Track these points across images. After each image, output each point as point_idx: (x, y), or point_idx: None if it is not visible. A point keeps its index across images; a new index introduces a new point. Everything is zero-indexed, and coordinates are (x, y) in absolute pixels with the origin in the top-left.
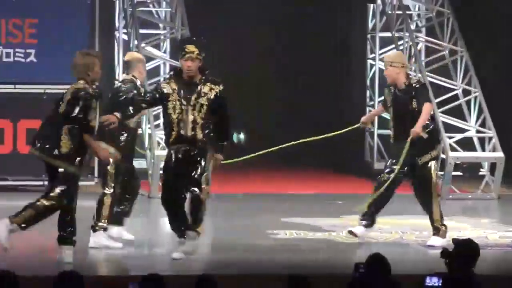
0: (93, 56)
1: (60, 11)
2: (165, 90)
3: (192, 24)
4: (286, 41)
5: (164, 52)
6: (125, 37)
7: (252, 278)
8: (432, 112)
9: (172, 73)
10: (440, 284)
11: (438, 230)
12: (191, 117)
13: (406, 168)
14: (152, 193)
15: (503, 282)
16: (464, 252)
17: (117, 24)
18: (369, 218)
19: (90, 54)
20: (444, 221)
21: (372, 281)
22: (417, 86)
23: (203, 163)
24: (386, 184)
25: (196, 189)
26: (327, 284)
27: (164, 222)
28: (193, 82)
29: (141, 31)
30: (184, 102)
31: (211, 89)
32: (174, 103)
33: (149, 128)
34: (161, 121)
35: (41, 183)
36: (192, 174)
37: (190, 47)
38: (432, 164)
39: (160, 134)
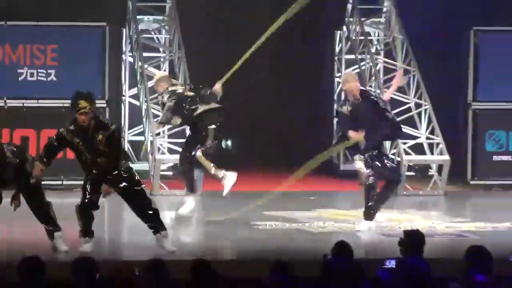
0: None
1: (76, 38)
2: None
3: (187, 48)
4: (269, 62)
5: (164, 71)
6: (131, 59)
7: (239, 263)
8: None
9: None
10: (395, 266)
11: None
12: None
13: None
14: (153, 190)
15: (448, 264)
16: (413, 240)
17: (124, 49)
18: None
19: None
20: (395, 213)
21: (338, 264)
22: None
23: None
24: None
25: None
26: (303, 268)
27: (164, 216)
28: (87, 128)
29: (144, 54)
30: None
31: (102, 135)
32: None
33: (151, 136)
34: (161, 129)
35: (59, 182)
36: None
37: (83, 103)
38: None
39: (160, 141)
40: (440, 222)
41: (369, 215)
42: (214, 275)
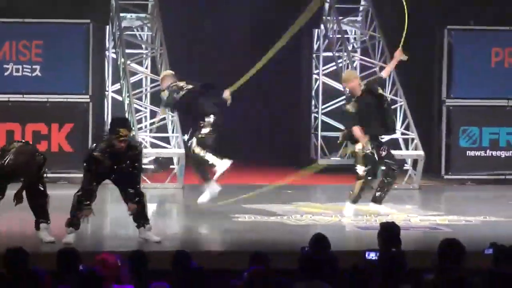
0: None
1: (61, 35)
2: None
3: (169, 44)
4: (250, 59)
5: (146, 68)
6: (114, 56)
7: (218, 254)
8: None
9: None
10: (376, 258)
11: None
12: None
13: None
14: None
15: (422, 256)
16: (390, 232)
17: (107, 45)
18: None
19: None
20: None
21: (316, 255)
22: None
23: None
24: None
25: None
26: (281, 260)
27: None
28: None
29: (127, 51)
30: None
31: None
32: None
33: (133, 131)
34: (143, 124)
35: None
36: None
37: (124, 131)
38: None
39: (142, 136)
40: (414, 215)
41: (354, 200)
42: (192, 266)
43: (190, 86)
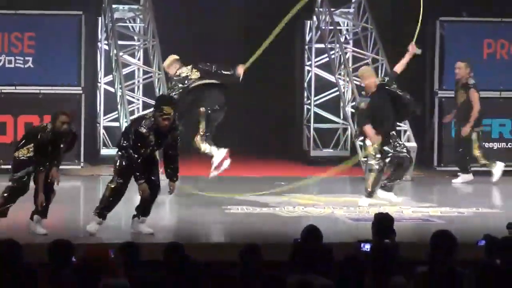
0: None
1: (53, 26)
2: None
3: (161, 36)
4: (244, 51)
5: (138, 59)
6: (106, 47)
7: (211, 246)
8: None
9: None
10: (369, 249)
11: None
12: None
13: None
14: None
15: (414, 247)
16: (384, 223)
17: (99, 37)
18: None
19: None
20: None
21: (308, 247)
22: None
23: None
24: None
25: None
26: (273, 251)
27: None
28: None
29: (119, 42)
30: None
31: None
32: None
33: (125, 122)
34: (135, 116)
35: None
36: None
37: (168, 109)
38: None
39: None
40: (407, 207)
41: (370, 195)
42: (186, 258)
43: (197, 79)
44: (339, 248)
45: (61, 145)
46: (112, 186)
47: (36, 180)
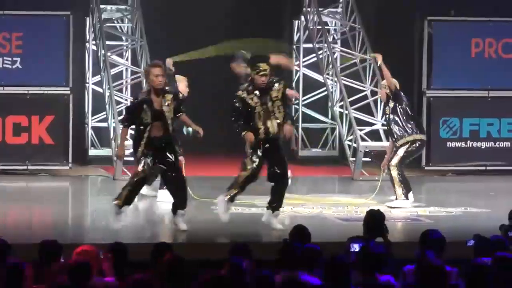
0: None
1: (41, 27)
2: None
3: (149, 36)
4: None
5: (126, 60)
6: (94, 47)
7: (200, 246)
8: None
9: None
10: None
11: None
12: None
13: None
14: (116, 176)
15: (403, 247)
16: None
17: (87, 37)
18: None
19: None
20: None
21: (296, 247)
22: None
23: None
24: None
25: None
26: (261, 250)
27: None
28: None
29: (108, 42)
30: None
31: (278, 90)
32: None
33: (113, 122)
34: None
35: (24, 167)
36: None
37: (264, 66)
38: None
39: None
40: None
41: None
42: (175, 258)
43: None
44: (328, 247)
45: None
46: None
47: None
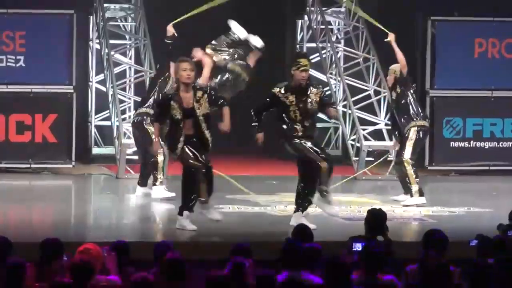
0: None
1: (45, 25)
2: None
3: (153, 35)
4: None
5: (130, 58)
6: (98, 46)
7: (201, 245)
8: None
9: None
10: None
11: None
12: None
13: None
14: (119, 174)
15: (406, 246)
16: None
17: (91, 36)
18: None
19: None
20: (355, 197)
21: (298, 246)
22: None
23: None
24: None
25: None
26: (264, 250)
27: (129, 198)
28: (303, 88)
29: (111, 41)
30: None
31: (316, 93)
32: (294, 109)
33: (117, 121)
34: (127, 115)
35: (27, 166)
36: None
37: (304, 61)
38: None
39: (126, 126)
40: (398, 206)
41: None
42: (176, 257)
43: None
44: (330, 247)
45: None
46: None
47: None
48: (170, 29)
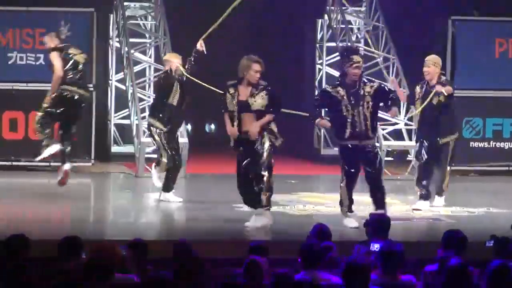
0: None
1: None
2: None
3: (173, 34)
4: (255, 48)
5: (150, 57)
6: (118, 44)
7: (219, 244)
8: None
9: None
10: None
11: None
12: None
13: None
14: (139, 173)
15: (424, 247)
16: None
17: (111, 34)
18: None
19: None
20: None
21: (317, 246)
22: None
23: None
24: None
25: None
26: (282, 249)
27: (148, 197)
28: (355, 85)
29: (131, 40)
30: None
31: (371, 86)
32: (346, 106)
33: (136, 119)
34: (146, 113)
35: (47, 164)
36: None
37: (357, 58)
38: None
39: (145, 124)
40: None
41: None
42: (194, 256)
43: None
44: (348, 246)
45: None
46: None
47: None
48: (202, 45)
